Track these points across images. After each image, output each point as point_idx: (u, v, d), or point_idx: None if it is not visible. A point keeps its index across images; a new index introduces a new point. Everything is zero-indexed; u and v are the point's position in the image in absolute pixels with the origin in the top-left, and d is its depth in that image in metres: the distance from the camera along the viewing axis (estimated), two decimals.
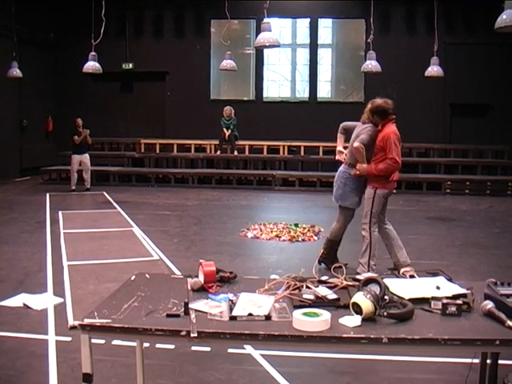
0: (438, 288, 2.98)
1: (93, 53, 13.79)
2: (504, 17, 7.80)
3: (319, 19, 19.34)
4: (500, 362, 3.31)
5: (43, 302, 5.97)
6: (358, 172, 7.06)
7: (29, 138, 18.17)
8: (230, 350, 4.71)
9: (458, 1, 17.23)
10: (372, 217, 7.01)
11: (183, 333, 2.54)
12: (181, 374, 4.42)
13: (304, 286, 3.00)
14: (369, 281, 2.87)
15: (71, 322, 5.36)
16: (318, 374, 4.51)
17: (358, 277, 3.17)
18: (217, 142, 17.70)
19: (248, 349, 4.74)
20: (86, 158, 15.20)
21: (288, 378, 4.32)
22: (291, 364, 4.57)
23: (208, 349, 4.72)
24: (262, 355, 4.65)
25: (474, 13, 17.55)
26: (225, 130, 17.30)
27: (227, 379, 4.35)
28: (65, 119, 17.41)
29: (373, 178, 7.02)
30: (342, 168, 7.39)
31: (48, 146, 18.88)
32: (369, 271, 6.78)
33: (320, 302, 2.82)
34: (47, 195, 14.07)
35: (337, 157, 7.56)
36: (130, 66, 19.62)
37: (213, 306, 2.77)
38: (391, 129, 7.05)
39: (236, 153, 17.46)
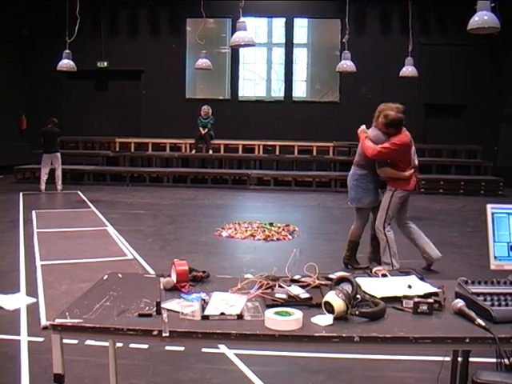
0: (409, 287, 3.00)
1: (67, 51, 13.69)
2: (476, 18, 7.91)
3: (295, 19, 19.40)
4: (471, 359, 3.34)
5: (16, 302, 5.91)
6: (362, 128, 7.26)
7: (2, 136, 17.96)
8: (203, 350, 4.71)
9: (432, 2, 17.36)
10: (386, 219, 7.13)
11: (155, 332, 2.53)
12: (154, 373, 4.41)
13: (276, 285, 3.00)
14: (341, 280, 2.87)
15: (44, 322, 5.31)
16: (291, 372, 4.52)
17: (330, 276, 3.18)
18: (192, 141, 17.67)
19: (222, 348, 4.74)
20: (56, 157, 14.91)
21: (262, 376, 4.33)
22: (265, 363, 4.57)
23: (182, 348, 4.71)
24: (236, 354, 4.65)
25: (448, 14, 17.71)
26: (201, 129, 17.28)
27: (201, 379, 4.34)
28: (39, 117, 17.21)
29: (391, 178, 7.15)
30: (351, 171, 7.48)
31: (21, 145, 18.69)
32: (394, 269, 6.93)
33: (292, 301, 2.83)
34: (20, 194, 13.92)
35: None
36: (105, 64, 19.50)
37: (185, 306, 2.76)
38: (404, 135, 7.18)
39: (211, 152, 17.44)
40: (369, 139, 7.12)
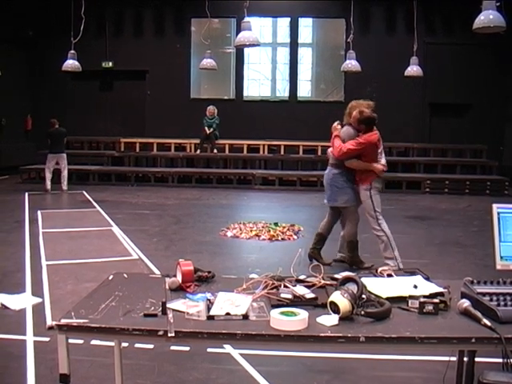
0: (415, 287, 2.99)
1: (72, 51, 13.72)
2: (482, 17, 7.90)
3: (300, 18, 19.39)
4: (477, 359, 3.34)
5: (21, 302, 5.92)
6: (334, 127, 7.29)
7: (7, 136, 18.01)
8: (208, 350, 4.71)
9: (437, 1, 17.33)
10: (377, 216, 7.25)
11: (161, 332, 2.53)
12: (160, 373, 4.41)
13: (282, 285, 2.99)
14: (346, 280, 2.87)
15: (49, 322, 5.32)
16: (297, 372, 4.52)
17: (335, 276, 3.17)
18: (197, 141, 17.68)
19: (227, 348, 4.74)
20: (62, 157, 14.92)
21: (267, 377, 4.32)
22: (270, 363, 4.57)
23: (187, 348, 4.71)
24: (241, 354, 4.65)
25: (453, 13, 17.67)
26: (206, 128, 17.30)
27: (206, 379, 4.34)
28: (44, 118, 17.23)
29: (362, 177, 7.30)
30: (326, 171, 7.56)
31: (27, 145, 18.72)
32: (398, 262, 7.05)
33: (298, 301, 2.82)
34: (26, 194, 13.95)
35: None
36: (110, 64, 19.53)
37: (190, 306, 2.76)
38: (372, 134, 7.25)
39: (215, 151, 17.45)
40: (338, 138, 7.18)
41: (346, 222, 7.52)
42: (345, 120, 7.43)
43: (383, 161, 7.42)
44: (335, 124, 7.40)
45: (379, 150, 7.36)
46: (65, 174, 14.92)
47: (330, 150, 7.52)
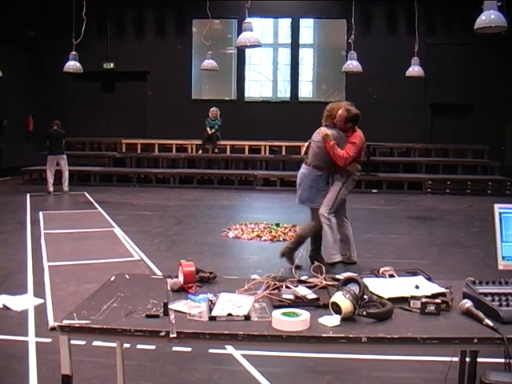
0: (417, 287, 2.99)
1: (73, 52, 13.74)
2: (483, 18, 7.90)
3: (301, 19, 19.41)
4: (479, 359, 3.33)
5: (23, 303, 5.92)
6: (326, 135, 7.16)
7: (9, 138, 18.02)
8: (210, 351, 4.70)
9: (439, 2, 17.33)
10: (330, 207, 7.20)
11: (162, 333, 2.53)
12: (162, 374, 4.40)
13: (283, 286, 2.99)
14: (348, 280, 2.87)
15: (51, 323, 5.31)
16: (298, 373, 4.52)
17: (337, 276, 3.17)
18: (198, 142, 17.70)
19: (229, 349, 4.74)
20: (62, 158, 14.86)
21: (269, 377, 4.32)
22: (272, 364, 4.57)
23: (189, 349, 4.71)
24: (243, 355, 4.64)
25: (454, 13, 17.68)
26: (208, 129, 17.33)
27: (208, 379, 4.34)
28: (45, 119, 17.25)
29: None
30: (304, 170, 7.46)
31: (28, 146, 18.73)
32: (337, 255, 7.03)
33: (299, 302, 2.82)
34: (27, 195, 13.96)
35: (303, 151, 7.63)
36: (111, 65, 19.56)
37: (192, 307, 2.76)
38: (360, 132, 7.28)
39: (216, 150, 17.47)
40: (336, 145, 7.09)
41: (312, 221, 7.43)
42: (325, 122, 7.36)
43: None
44: (323, 130, 7.24)
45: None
46: (66, 175, 14.89)
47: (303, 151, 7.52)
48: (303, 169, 7.46)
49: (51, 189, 14.56)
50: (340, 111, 7.17)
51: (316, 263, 6.46)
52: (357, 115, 7.19)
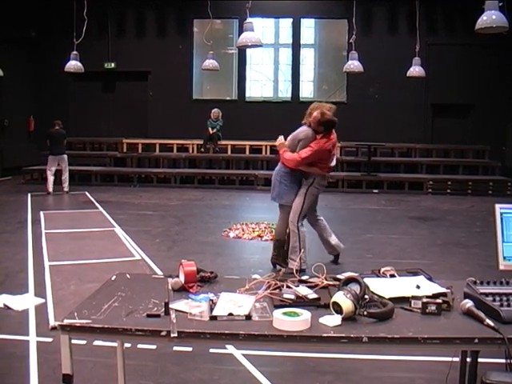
0: (418, 287, 2.99)
1: (74, 52, 13.74)
2: (484, 18, 7.89)
3: (302, 19, 19.40)
4: (480, 360, 3.33)
5: (24, 302, 5.92)
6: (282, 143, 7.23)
7: (10, 137, 18.02)
8: (211, 350, 4.71)
9: (440, 2, 17.33)
10: (300, 215, 7.13)
11: (163, 333, 2.53)
12: (162, 374, 4.41)
13: (284, 286, 3.00)
14: (349, 280, 2.87)
15: (52, 322, 5.32)
16: (299, 373, 4.51)
17: (338, 276, 3.17)
18: (199, 142, 17.71)
19: (230, 349, 4.74)
20: (62, 159, 14.78)
21: (270, 377, 4.32)
22: (273, 363, 4.57)
23: (190, 349, 4.71)
24: (244, 355, 4.64)
25: (455, 14, 17.67)
26: (210, 129, 17.33)
27: (209, 379, 4.34)
28: (46, 119, 17.25)
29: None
30: (277, 167, 7.47)
31: (29, 146, 18.73)
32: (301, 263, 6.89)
33: (300, 302, 2.82)
34: (29, 195, 13.97)
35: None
36: (112, 65, 19.54)
37: (193, 306, 2.76)
38: (328, 140, 7.09)
39: (217, 149, 17.48)
40: (287, 150, 7.11)
41: (280, 217, 7.41)
42: (305, 120, 7.32)
43: (333, 163, 7.35)
44: (281, 139, 7.32)
45: (332, 153, 7.23)
46: (66, 175, 14.79)
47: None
48: (277, 167, 7.49)
49: (51, 189, 14.48)
50: (315, 113, 7.04)
51: (278, 267, 6.46)
52: (329, 121, 7.00)
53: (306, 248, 7.15)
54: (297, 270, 3.35)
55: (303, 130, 7.21)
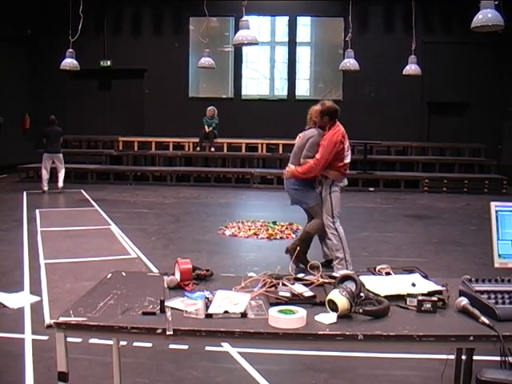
0: (413, 285, 2.99)
1: (70, 50, 13.69)
2: (480, 16, 7.89)
3: (298, 17, 19.39)
4: (475, 357, 3.34)
5: (19, 300, 5.92)
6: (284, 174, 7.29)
7: (5, 135, 17.97)
8: (207, 348, 4.71)
9: (436, 0, 17.33)
10: (334, 215, 7.06)
11: (159, 331, 2.54)
12: (158, 372, 4.41)
13: (280, 284, 3.00)
14: (345, 278, 2.87)
15: (48, 320, 5.32)
16: (295, 371, 4.52)
17: (334, 274, 3.18)
18: (195, 140, 17.69)
19: (225, 347, 4.74)
20: (58, 157, 14.68)
21: (265, 375, 4.32)
22: (269, 361, 4.57)
23: (185, 347, 4.71)
24: (240, 353, 4.65)
25: (451, 12, 17.69)
26: (206, 127, 17.30)
27: (205, 377, 4.35)
28: (42, 117, 17.20)
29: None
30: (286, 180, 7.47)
31: (25, 144, 18.68)
32: (347, 264, 6.86)
33: (296, 300, 2.82)
34: (24, 193, 13.94)
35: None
36: (108, 63, 19.51)
37: (189, 304, 2.76)
38: (335, 131, 6.99)
39: (213, 149, 17.46)
40: (299, 167, 7.14)
41: (315, 217, 7.31)
42: (308, 125, 7.37)
43: (348, 159, 7.23)
44: (287, 169, 7.39)
45: (345, 146, 7.14)
46: (61, 174, 14.66)
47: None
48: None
49: (46, 188, 14.38)
50: (317, 106, 7.12)
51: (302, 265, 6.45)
52: (331, 107, 6.99)
53: (348, 250, 7.02)
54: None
55: (311, 131, 7.22)
